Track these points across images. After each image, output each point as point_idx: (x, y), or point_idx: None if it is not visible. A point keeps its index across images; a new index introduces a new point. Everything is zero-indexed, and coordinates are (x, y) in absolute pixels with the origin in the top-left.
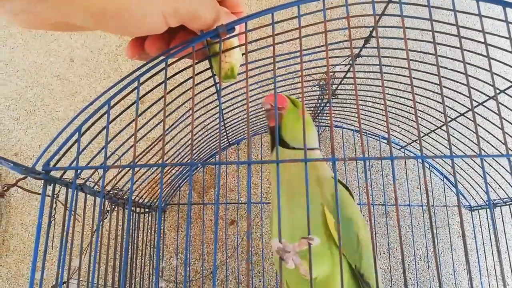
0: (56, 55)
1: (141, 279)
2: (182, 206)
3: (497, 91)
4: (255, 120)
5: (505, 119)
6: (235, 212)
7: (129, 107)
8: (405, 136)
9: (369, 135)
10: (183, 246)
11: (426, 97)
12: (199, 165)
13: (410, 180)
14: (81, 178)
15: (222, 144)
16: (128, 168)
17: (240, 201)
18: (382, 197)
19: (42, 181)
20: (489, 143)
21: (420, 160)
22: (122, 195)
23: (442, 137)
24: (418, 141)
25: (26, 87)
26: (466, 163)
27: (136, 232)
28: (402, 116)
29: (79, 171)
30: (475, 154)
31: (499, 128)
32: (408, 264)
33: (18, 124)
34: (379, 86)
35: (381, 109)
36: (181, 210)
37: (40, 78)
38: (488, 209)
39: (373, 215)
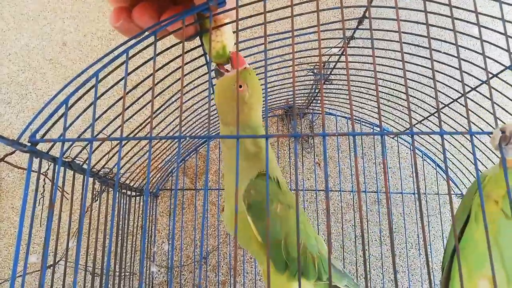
0: (49, 39)
1: (132, 264)
2: (175, 192)
3: (490, 76)
4: None
5: (497, 104)
6: None
7: (117, 82)
8: (399, 124)
9: (363, 123)
10: (175, 232)
11: (420, 82)
12: (187, 137)
13: (403, 168)
14: (70, 157)
15: (215, 130)
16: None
17: None
18: (374, 185)
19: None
20: (482, 130)
21: (410, 136)
22: (113, 176)
23: (436, 125)
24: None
25: (18, 70)
26: (458, 150)
27: (127, 215)
28: (397, 104)
29: (66, 146)
30: (466, 130)
31: (491, 113)
32: (400, 252)
33: (9, 108)
34: (373, 71)
35: (375, 96)
36: (174, 196)
37: (32, 61)
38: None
39: (365, 202)
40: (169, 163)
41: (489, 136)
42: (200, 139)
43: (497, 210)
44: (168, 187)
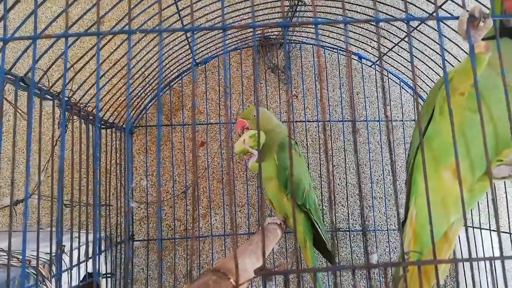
0: None
1: (107, 198)
2: (150, 128)
3: None
4: (222, 38)
5: None
6: (205, 134)
7: None
8: (375, 49)
9: (340, 51)
10: (153, 168)
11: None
12: (137, 31)
13: (380, 97)
14: (40, 85)
15: (188, 64)
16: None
17: (210, 122)
18: (352, 115)
19: None
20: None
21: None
22: (78, 102)
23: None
24: (386, 54)
25: None
26: (433, 71)
27: (98, 148)
28: (372, 32)
29: (13, 54)
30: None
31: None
32: (377, 179)
33: None
34: None
35: (352, 25)
36: (149, 133)
37: None
38: None
39: (342, 132)
40: (141, 99)
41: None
42: (173, 74)
43: (463, 102)
44: (143, 124)
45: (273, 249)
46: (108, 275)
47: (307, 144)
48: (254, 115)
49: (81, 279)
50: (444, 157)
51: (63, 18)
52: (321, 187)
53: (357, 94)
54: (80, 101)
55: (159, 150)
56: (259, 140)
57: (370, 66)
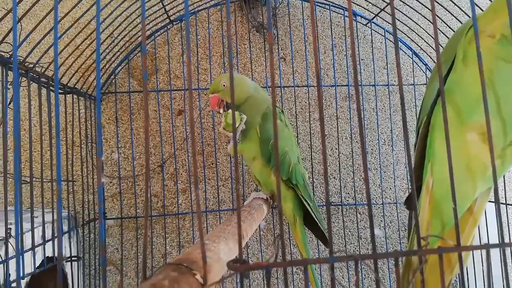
0: None
1: (70, 173)
2: (121, 95)
3: None
4: None
5: None
6: (183, 101)
7: None
8: (375, 6)
9: (332, 8)
10: (125, 140)
11: None
12: None
13: (376, 60)
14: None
15: (161, 22)
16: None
17: (188, 88)
18: (345, 79)
19: None
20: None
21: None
22: (31, 64)
23: (403, 13)
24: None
25: None
26: (439, 30)
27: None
28: None
29: None
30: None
31: None
32: (372, 149)
33: None
34: None
35: None
36: (120, 100)
37: None
38: None
39: (335, 98)
40: (108, 62)
41: None
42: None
43: (492, 47)
44: (112, 90)
45: (259, 225)
46: (73, 259)
47: (295, 112)
48: (224, 85)
49: (37, 265)
50: (468, 115)
51: None
52: (311, 159)
53: (350, 57)
54: (33, 63)
55: (100, 115)
56: (234, 123)
57: (365, 25)
